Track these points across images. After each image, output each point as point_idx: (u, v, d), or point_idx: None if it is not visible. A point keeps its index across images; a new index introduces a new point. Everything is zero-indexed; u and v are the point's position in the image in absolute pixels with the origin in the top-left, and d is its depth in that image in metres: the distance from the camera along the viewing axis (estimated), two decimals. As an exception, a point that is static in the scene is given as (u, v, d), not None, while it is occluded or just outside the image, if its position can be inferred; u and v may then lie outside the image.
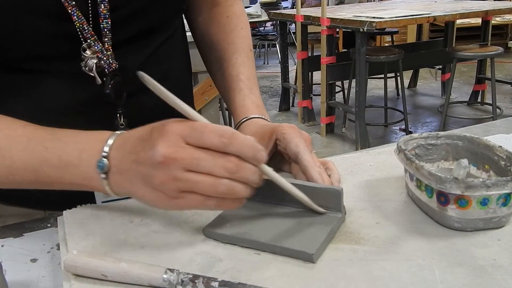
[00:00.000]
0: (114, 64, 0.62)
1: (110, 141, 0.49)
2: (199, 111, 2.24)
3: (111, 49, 0.61)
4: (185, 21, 0.81)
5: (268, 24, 7.43)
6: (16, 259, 0.54)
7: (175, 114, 0.48)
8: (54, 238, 0.57)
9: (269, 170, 0.48)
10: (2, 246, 0.57)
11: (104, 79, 0.61)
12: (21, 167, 0.52)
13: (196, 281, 0.44)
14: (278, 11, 4.71)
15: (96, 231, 0.54)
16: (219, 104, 2.39)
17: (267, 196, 0.56)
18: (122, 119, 0.64)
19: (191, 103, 0.84)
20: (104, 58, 0.61)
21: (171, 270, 0.44)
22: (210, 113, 2.34)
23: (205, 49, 0.81)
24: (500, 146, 0.55)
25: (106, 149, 0.48)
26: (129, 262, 0.45)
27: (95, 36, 0.59)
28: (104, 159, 0.48)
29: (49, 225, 0.61)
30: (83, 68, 0.60)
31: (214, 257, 0.49)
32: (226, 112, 2.87)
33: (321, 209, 0.53)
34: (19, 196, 0.69)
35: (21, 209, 0.70)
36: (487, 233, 0.50)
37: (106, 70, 0.61)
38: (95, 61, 0.60)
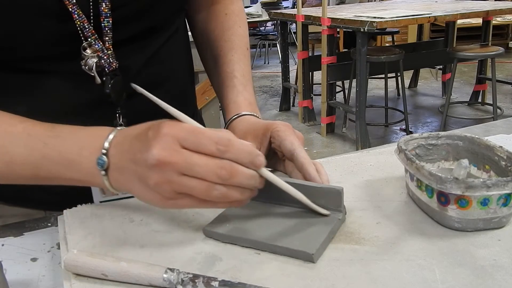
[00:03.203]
0: (114, 64, 0.61)
1: (110, 137, 0.49)
2: (200, 111, 2.24)
3: (111, 48, 0.61)
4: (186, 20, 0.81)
5: (269, 24, 7.43)
6: (17, 258, 0.54)
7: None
8: (55, 237, 0.57)
9: (269, 174, 0.48)
10: (3, 245, 0.57)
11: (104, 78, 0.61)
12: (20, 163, 0.51)
13: (196, 280, 0.44)
14: (278, 11, 4.71)
15: (97, 231, 0.54)
16: (219, 104, 2.39)
17: (267, 196, 0.55)
18: (121, 119, 0.64)
19: (193, 103, 0.84)
20: (105, 57, 0.60)
21: (171, 270, 0.44)
22: (210, 112, 2.33)
23: (202, 46, 0.81)
24: (501, 147, 0.55)
25: (106, 145, 0.48)
26: (129, 262, 0.45)
27: (96, 35, 0.59)
28: (103, 156, 0.48)
29: (49, 224, 0.61)
30: (83, 67, 0.60)
31: (214, 257, 0.49)
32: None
33: (323, 211, 0.53)
34: (19, 197, 0.69)
35: (21, 209, 0.70)
36: (487, 233, 0.50)
37: (106, 69, 0.61)
38: (95, 60, 0.60)
